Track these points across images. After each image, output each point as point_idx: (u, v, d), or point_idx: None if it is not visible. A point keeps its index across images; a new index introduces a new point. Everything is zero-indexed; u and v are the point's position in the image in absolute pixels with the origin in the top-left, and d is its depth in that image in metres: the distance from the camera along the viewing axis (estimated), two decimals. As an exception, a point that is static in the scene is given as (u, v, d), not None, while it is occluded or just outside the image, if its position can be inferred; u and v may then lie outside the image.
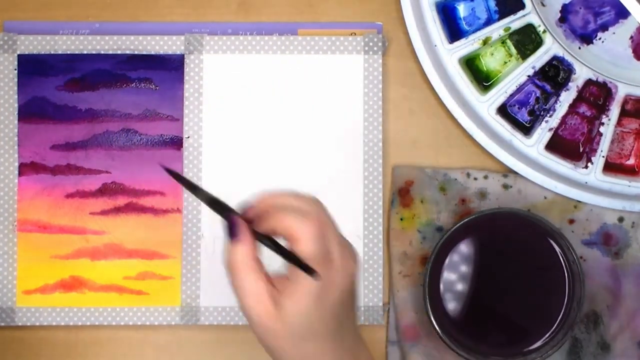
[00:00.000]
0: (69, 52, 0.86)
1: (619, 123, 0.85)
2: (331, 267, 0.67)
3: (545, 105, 0.85)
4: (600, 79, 0.85)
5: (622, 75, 0.85)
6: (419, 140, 0.87)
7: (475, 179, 0.86)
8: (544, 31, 0.85)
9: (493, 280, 0.82)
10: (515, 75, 0.85)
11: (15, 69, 0.86)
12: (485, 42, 0.85)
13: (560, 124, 0.85)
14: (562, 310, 0.81)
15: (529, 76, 0.85)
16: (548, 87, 0.85)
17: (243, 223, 0.67)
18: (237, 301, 0.67)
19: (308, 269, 0.65)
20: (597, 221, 0.85)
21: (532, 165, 0.85)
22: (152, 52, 0.86)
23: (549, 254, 0.82)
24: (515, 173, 0.86)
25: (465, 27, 0.86)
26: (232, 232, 0.66)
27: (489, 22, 0.85)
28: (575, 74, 0.85)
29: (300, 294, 0.66)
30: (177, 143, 0.86)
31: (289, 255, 0.66)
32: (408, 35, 0.86)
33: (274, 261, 0.68)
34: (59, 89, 0.86)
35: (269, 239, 0.67)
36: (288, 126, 0.86)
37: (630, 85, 0.85)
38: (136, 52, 0.86)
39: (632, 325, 0.85)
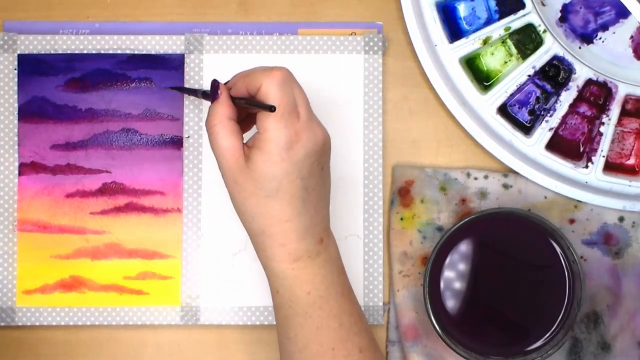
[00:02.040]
0: (69, 52, 0.86)
1: (619, 123, 0.85)
2: (297, 121, 0.71)
3: (546, 105, 0.85)
4: (601, 79, 0.85)
5: (622, 75, 0.85)
6: (419, 140, 0.87)
7: (476, 178, 0.86)
8: (544, 31, 0.85)
9: (493, 280, 0.82)
10: (516, 74, 0.85)
11: (15, 69, 0.86)
12: (485, 41, 0.85)
13: (560, 124, 0.85)
14: (562, 310, 0.81)
15: (529, 76, 0.85)
16: (548, 86, 0.85)
17: (223, 86, 0.73)
18: (217, 161, 0.72)
19: (267, 106, 0.70)
20: (597, 221, 0.85)
21: (532, 165, 0.85)
22: (152, 52, 0.86)
23: (549, 254, 0.81)
24: (516, 173, 0.86)
25: (466, 27, 0.86)
26: (213, 93, 0.73)
27: (489, 21, 0.85)
28: (575, 73, 0.85)
29: (267, 143, 0.71)
30: (177, 143, 0.86)
31: (252, 101, 0.72)
32: (408, 35, 0.86)
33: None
34: (59, 89, 0.86)
35: (241, 98, 0.73)
36: (288, 126, 0.86)
37: (631, 85, 0.84)
38: (136, 52, 0.86)
39: (632, 325, 0.85)
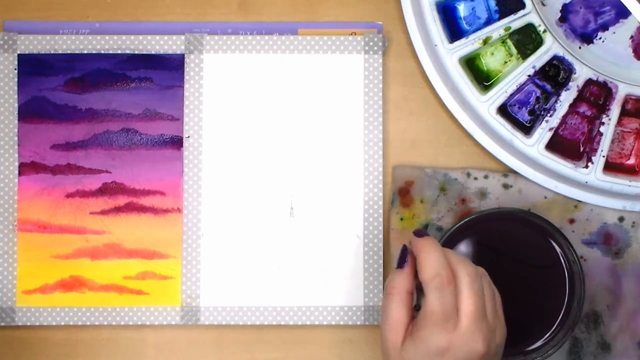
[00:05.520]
0: (69, 52, 0.86)
1: (619, 123, 0.85)
2: (453, 330, 0.69)
3: (546, 105, 0.85)
4: (601, 79, 0.85)
5: (622, 75, 0.85)
6: (419, 140, 0.87)
7: (476, 178, 0.86)
8: (544, 31, 0.85)
9: (493, 280, 0.82)
10: (516, 74, 0.85)
11: (15, 69, 0.86)
12: (485, 41, 0.85)
13: (560, 124, 0.85)
14: (562, 310, 0.81)
15: (529, 76, 0.85)
16: (548, 86, 0.85)
17: (412, 257, 0.72)
18: (381, 326, 0.72)
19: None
20: (597, 221, 0.85)
21: (532, 165, 0.85)
22: (152, 52, 0.86)
23: (549, 254, 0.81)
24: (516, 173, 0.86)
25: (466, 27, 0.86)
26: (400, 260, 0.72)
27: (489, 21, 0.85)
28: (575, 73, 0.85)
29: (419, 342, 0.69)
30: (177, 143, 0.86)
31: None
32: (408, 35, 0.86)
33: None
34: (59, 89, 0.86)
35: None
36: (288, 126, 0.86)
37: (631, 85, 0.84)
38: (136, 52, 0.86)
39: (632, 325, 0.85)
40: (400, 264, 0.73)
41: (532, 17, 0.85)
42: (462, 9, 0.86)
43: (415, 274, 0.72)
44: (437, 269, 0.70)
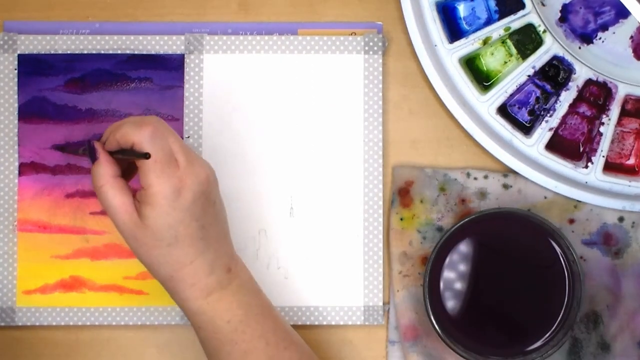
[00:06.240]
0: (69, 52, 0.86)
1: (619, 123, 0.85)
2: (177, 169, 0.73)
3: (546, 105, 0.85)
4: (601, 79, 0.85)
5: (622, 75, 0.85)
6: (419, 140, 0.87)
7: (475, 178, 0.86)
8: (544, 31, 0.85)
9: (493, 280, 0.82)
10: (516, 75, 0.85)
11: (15, 69, 0.86)
12: (485, 42, 0.85)
13: (560, 124, 0.85)
14: (562, 310, 0.81)
15: (529, 76, 0.85)
16: (548, 86, 0.85)
17: (99, 145, 0.74)
18: (112, 220, 0.74)
19: (142, 155, 0.72)
20: (597, 221, 0.85)
21: (532, 165, 0.85)
22: (152, 52, 0.86)
23: (549, 254, 0.82)
24: (515, 173, 0.86)
25: (466, 27, 0.86)
26: (92, 156, 0.74)
27: (489, 21, 0.85)
28: (575, 73, 0.85)
29: (154, 198, 0.72)
30: (177, 143, 0.86)
31: (126, 152, 0.73)
32: (408, 35, 0.86)
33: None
34: (59, 89, 0.86)
35: (116, 152, 0.74)
36: (288, 126, 0.86)
37: (630, 85, 0.85)
38: (136, 52, 0.86)
39: (632, 325, 0.85)
40: (93, 159, 0.74)
41: (532, 17, 0.85)
42: (462, 9, 0.86)
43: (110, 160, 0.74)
44: (130, 129, 0.73)
